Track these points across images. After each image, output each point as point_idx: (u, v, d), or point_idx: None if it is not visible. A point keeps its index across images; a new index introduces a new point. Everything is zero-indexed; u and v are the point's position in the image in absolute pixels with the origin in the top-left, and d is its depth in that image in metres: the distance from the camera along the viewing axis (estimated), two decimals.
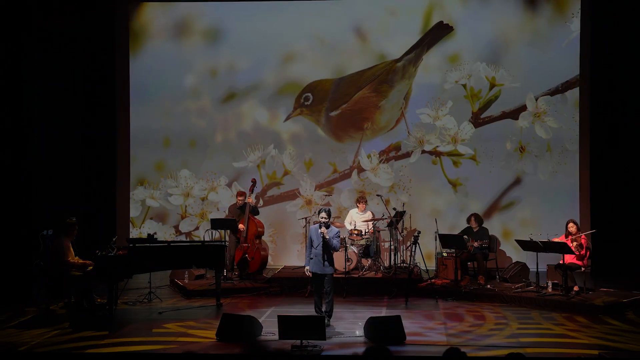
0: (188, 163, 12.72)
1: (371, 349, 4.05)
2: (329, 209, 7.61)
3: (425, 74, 12.36)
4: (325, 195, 11.74)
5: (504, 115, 12.26)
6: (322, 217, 7.46)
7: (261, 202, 12.36)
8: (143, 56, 12.58)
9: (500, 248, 11.21)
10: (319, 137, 12.55)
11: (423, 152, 12.30)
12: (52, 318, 8.07)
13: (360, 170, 12.46)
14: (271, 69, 12.55)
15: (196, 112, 12.67)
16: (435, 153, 12.37)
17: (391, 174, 12.41)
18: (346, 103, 12.43)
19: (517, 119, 12.17)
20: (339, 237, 7.54)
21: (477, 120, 12.29)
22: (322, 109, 12.46)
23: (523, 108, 12.14)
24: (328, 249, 7.42)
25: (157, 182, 12.74)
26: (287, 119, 12.62)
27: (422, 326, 7.66)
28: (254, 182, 10.60)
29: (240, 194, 10.58)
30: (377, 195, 11.34)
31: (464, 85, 12.30)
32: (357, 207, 10.88)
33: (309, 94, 12.44)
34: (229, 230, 10.13)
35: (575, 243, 8.89)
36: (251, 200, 10.34)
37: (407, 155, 12.43)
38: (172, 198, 12.72)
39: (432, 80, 12.32)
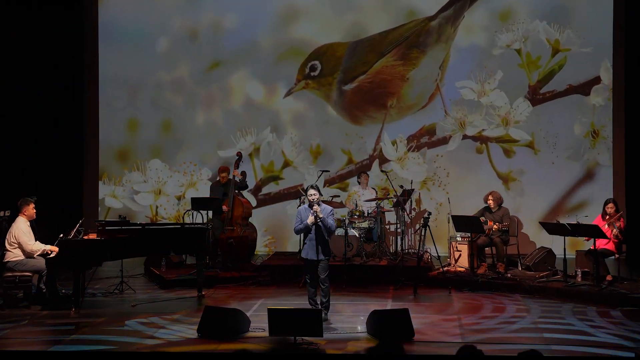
0: (160, 151, 12.56)
1: (379, 346, 4.21)
2: (317, 185, 7.93)
3: (467, 35, 12.16)
4: (333, 197, 11.61)
5: (571, 90, 12.00)
6: (312, 195, 7.72)
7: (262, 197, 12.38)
8: (105, 12, 12.54)
9: (522, 231, 11.45)
10: (329, 118, 12.40)
11: (465, 137, 12.15)
12: (10, 310, 8.50)
13: (383, 160, 12.28)
14: (267, 30, 12.41)
15: (171, 86, 12.53)
16: (480, 139, 12.15)
17: (423, 165, 12.22)
18: (364, 74, 12.23)
19: (588, 94, 11.93)
20: (334, 215, 7.92)
21: (536, 96, 12.03)
22: (334, 81, 12.29)
23: (596, 80, 11.92)
24: (322, 231, 7.75)
25: (120, 175, 12.60)
26: (287, 94, 12.41)
27: (433, 321, 7.94)
28: (239, 155, 10.70)
29: (223, 169, 10.70)
30: (382, 171, 11.37)
31: (519, 51, 12.04)
32: (359, 182, 11.11)
33: (317, 62, 12.24)
34: (210, 211, 10.45)
35: (615, 230, 9.20)
36: (237, 173, 10.49)
37: (444, 141, 12.22)
38: (140, 197, 12.56)
39: (476, 44, 12.14)
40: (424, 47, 12.11)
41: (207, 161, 12.48)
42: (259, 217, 12.03)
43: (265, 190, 12.53)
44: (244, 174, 10.89)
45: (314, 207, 7.72)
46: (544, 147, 12.00)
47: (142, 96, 12.56)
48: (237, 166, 10.64)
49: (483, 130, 12.10)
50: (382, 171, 11.40)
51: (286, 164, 12.46)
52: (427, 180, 12.21)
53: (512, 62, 12.01)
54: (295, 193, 12.22)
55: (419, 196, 12.07)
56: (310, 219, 7.76)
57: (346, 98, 12.31)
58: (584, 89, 11.91)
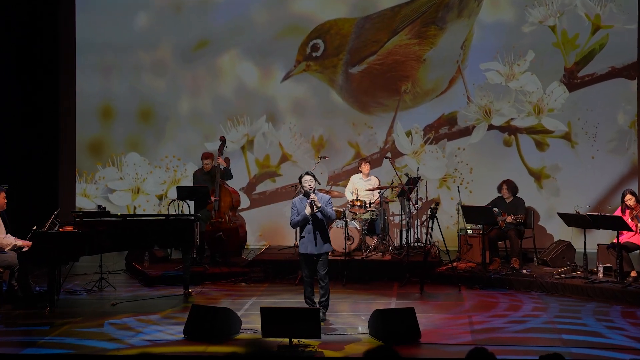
0: (139, 143, 12.34)
1: (372, 350, 4.35)
2: (312, 172, 8.08)
3: (493, 10, 11.91)
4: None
5: (613, 73, 11.73)
6: (307, 183, 7.88)
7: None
8: None
9: (539, 224, 11.51)
10: (334, 105, 12.19)
11: (490, 127, 11.92)
12: None
13: (397, 154, 12.06)
14: (262, 4, 12.22)
15: (151, 68, 12.31)
16: (509, 129, 11.91)
17: (442, 159, 12.02)
18: (374, 55, 11.98)
19: (633, 78, 11.71)
20: (332, 203, 8.15)
21: (573, 81, 11.79)
22: (339, 63, 12.05)
23: None
24: (322, 222, 7.94)
25: (93, 171, 12.39)
26: (286, 77, 12.15)
27: (441, 321, 8.07)
28: (222, 140, 10.75)
29: (207, 155, 10.78)
30: (385, 157, 11.48)
31: (553, 28, 11.79)
32: (360, 170, 11.14)
33: (319, 41, 12.01)
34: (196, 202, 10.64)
35: (638, 222, 9.26)
36: (221, 160, 10.63)
37: (467, 132, 11.98)
38: (115, 196, 12.32)
39: (504, 20, 11.91)
40: (442, 24, 11.87)
41: (192, 155, 12.14)
42: (252, 220, 11.92)
43: (259, 188, 12.26)
44: (227, 160, 10.88)
45: (311, 197, 7.79)
46: (583, 139, 11.78)
47: (117, 80, 12.31)
48: (221, 152, 10.62)
49: (512, 119, 11.87)
50: (385, 157, 11.37)
51: (284, 159, 12.22)
52: (446, 177, 12.01)
53: (545, 41, 11.79)
54: (295, 192, 11.76)
55: (438, 196, 11.88)
56: (307, 210, 7.82)
57: (353, 82, 12.10)
58: (629, 71, 11.69)
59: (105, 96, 12.22)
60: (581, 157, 11.67)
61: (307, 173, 7.93)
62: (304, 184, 7.89)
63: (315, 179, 7.99)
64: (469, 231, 10.65)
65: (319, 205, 7.77)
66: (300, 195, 8.00)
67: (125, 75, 12.22)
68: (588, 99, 11.63)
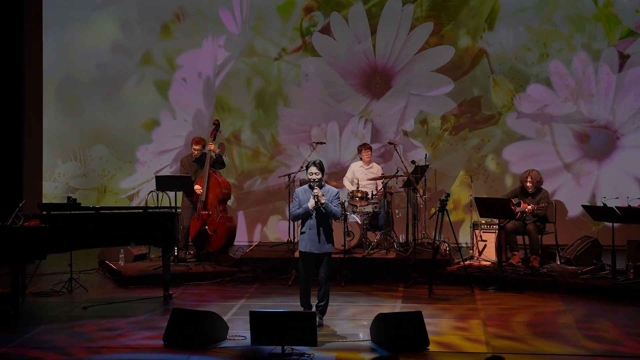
0: (105, 133, 12.17)
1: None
2: (321, 162, 8.13)
3: None
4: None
5: None
6: (312, 174, 8.02)
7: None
8: None
9: (565, 218, 11.70)
10: (336, 89, 11.91)
11: (520, 115, 11.72)
12: None
13: (409, 146, 11.87)
14: None
15: (121, 45, 11.99)
16: (542, 117, 11.74)
17: (464, 152, 11.81)
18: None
19: None
20: (339, 199, 8.27)
21: (618, 60, 11.50)
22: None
23: None
24: (326, 218, 8.07)
25: (52, 166, 12.26)
26: (280, 56, 12.01)
27: (451, 326, 8.24)
28: (216, 124, 10.81)
29: (197, 141, 10.84)
30: (389, 143, 11.50)
31: None
32: (361, 157, 11.22)
33: (318, 13, 11.93)
34: (181, 193, 10.73)
35: None
36: (213, 147, 10.66)
37: (492, 120, 11.80)
38: (78, 195, 11.94)
39: None
40: None
41: (169, 147, 12.05)
42: (240, 223, 11.79)
43: (247, 186, 12.11)
44: (221, 147, 11.06)
45: (314, 191, 7.81)
46: (629, 129, 11.54)
47: (81, 58, 12.07)
48: (213, 137, 10.60)
49: (545, 105, 11.63)
50: (389, 143, 11.38)
51: (278, 152, 12.08)
52: (468, 173, 11.76)
53: (585, 13, 11.54)
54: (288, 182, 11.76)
55: (459, 196, 11.72)
56: (310, 203, 7.83)
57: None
58: None
59: (65, 78, 12.02)
60: (627, 151, 11.48)
61: (314, 164, 7.94)
62: (309, 175, 7.96)
63: (322, 170, 7.98)
64: (483, 225, 10.77)
65: (323, 201, 7.78)
66: (306, 185, 8.07)
67: (90, 52, 11.96)
68: (636, 81, 11.39)
